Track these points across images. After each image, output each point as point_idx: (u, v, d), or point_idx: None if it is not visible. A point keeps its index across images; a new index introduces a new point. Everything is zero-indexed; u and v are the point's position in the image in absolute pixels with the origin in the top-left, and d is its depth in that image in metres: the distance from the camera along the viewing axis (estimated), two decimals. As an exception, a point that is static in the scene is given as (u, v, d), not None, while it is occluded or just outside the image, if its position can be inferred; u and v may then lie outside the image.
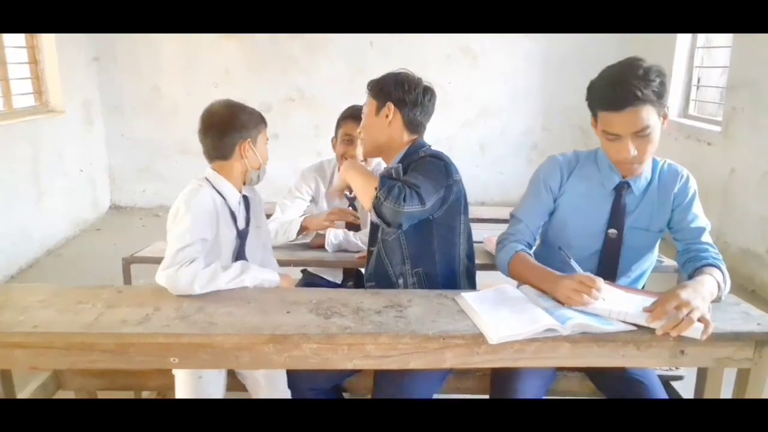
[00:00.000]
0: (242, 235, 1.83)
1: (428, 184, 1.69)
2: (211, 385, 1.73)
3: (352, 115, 2.36)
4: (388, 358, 1.44)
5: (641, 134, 1.57)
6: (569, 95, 5.64)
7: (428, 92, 1.86)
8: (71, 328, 1.42)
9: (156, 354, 1.43)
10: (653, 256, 1.83)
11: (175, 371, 1.72)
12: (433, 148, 1.85)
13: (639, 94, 1.52)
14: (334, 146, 2.48)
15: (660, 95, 1.55)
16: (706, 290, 1.50)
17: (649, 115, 1.55)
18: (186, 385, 1.71)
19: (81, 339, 1.41)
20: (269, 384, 1.80)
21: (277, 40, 5.49)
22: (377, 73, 1.88)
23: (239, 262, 1.75)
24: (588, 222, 1.76)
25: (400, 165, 1.80)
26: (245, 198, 1.87)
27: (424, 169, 1.74)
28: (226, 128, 1.75)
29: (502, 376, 1.68)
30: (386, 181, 1.66)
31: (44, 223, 4.45)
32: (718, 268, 1.64)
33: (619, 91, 1.54)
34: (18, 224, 4.10)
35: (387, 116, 1.83)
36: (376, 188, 1.64)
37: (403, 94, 1.82)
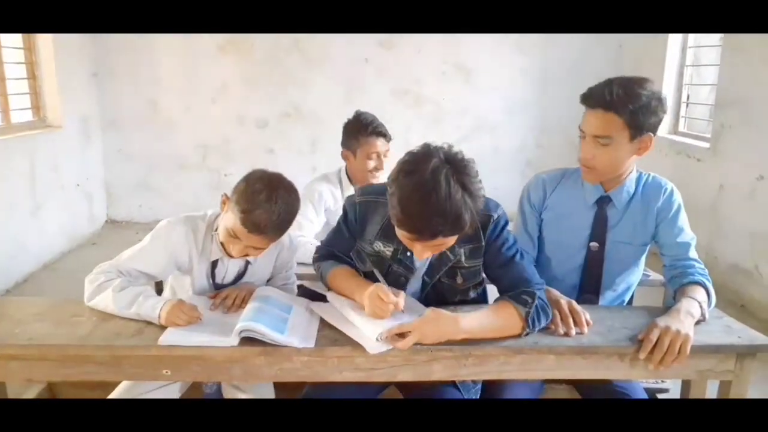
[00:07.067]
0: (218, 287, 1.78)
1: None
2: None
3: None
4: (378, 371, 1.47)
5: (600, 141, 1.62)
6: (563, 111, 5.69)
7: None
8: (66, 341, 1.45)
9: (149, 366, 1.46)
10: (639, 270, 1.86)
11: None
12: None
13: (608, 98, 1.57)
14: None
15: (634, 116, 1.58)
16: (684, 315, 1.53)
17: (612, 125, 1.59)
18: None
19: (75, 351, 1.44)
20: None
21: (274, 55, 5.54)
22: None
23: (136, 289, 1.61)
24: (570, 236, 1.80)
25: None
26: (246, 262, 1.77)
27: None
28: None
29: (491, 387, 1.70)
30: (532, 313, 1.50)
31: (40, 237, 4.46)
32: (702, 285, 1.66)
33: (595, 90, 1.61)
34: (14, 238, 4.11)
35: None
36: (522, 326, 1.50)
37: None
